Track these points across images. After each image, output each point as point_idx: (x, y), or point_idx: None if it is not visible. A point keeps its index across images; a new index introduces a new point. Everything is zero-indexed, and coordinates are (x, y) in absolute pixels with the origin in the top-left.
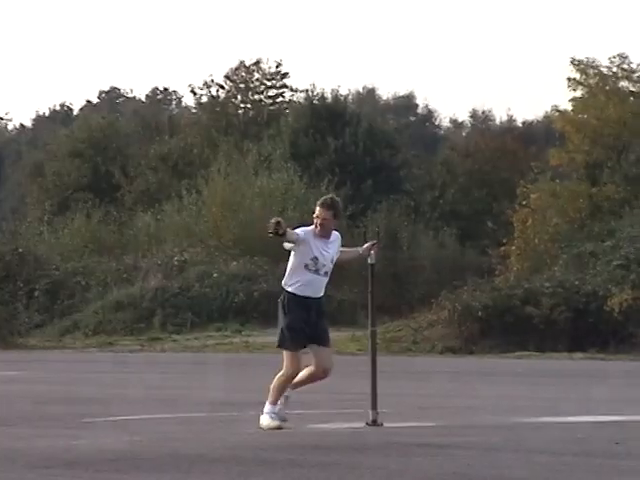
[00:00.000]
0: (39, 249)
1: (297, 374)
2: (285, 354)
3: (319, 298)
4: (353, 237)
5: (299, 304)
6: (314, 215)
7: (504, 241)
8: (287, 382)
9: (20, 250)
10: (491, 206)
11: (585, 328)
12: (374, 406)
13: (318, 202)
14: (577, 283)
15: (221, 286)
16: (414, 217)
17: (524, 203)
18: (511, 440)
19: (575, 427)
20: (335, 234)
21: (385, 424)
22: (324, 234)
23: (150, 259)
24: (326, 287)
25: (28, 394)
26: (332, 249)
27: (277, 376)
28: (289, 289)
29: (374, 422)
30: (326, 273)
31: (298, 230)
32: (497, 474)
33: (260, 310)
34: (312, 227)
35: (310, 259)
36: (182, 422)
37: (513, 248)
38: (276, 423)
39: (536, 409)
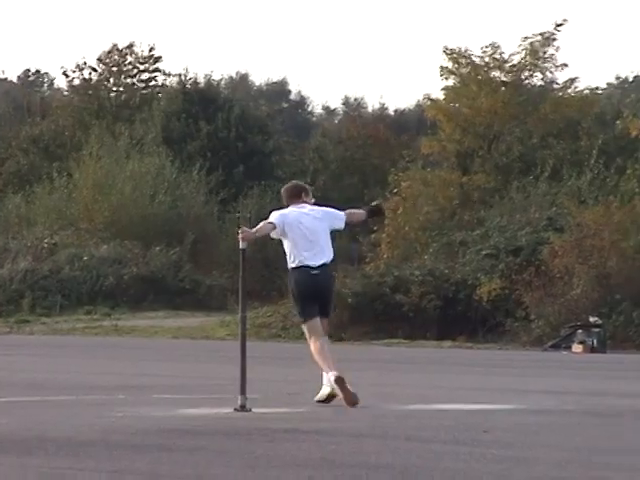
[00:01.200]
0: None
1: None
2: None
3: None
4: (225, 222)
5: None
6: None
7: (375, 228)
8: None
9: None
10: (362, 193)
11: (454, 316)
12: (243, 391)
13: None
14: (447, 272)
15: (91, 269)
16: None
17: (395, 191)
18: (378, 427)
19: (443, 415)
20: None
21: (253, 410)
22: None
23: (20, 241)
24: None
25: None
26: None
27: None
28: None
29: (243, 407)
30: None
31: None
32: (364, 460)
33: (130, 294)
34: None
35: None
36: (50, 405)
37: (384, 236)
38: None
39: (404, 397)
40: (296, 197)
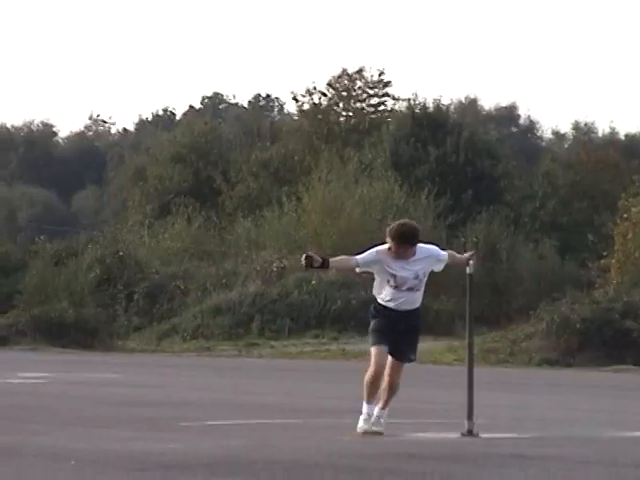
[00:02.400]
0: (139, 253)
1: (381, 371)
2: (371, 352)
3: (405, 311)
4: (452, 247)
5: (384, 312)
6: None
7: (604, 254)
8: (371, 380)
9: (121, 253)
10: (592, 218)
11: None
12: (470, 416)
13: (390, 233)
14: None
15: (319, 293)
16: (514, 228)
17: (625, 216)
18: (606, 454)
19: None
20: (422, 249)
21: (481, 434)
22: (401, 257)
23: (249, 265)
24: (421, 298)
25: (126, 397)
26: (417, 266)
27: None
28: (377, 299)
29: (470, 432)
30: (410, 289)
31: (371, 252)
32: None
33: (357, 318)
34: (387, 248)
35: (389, 276)
36: (278, 428)
37: (613, 261)
38: (364, 427)
39: (633, 424)
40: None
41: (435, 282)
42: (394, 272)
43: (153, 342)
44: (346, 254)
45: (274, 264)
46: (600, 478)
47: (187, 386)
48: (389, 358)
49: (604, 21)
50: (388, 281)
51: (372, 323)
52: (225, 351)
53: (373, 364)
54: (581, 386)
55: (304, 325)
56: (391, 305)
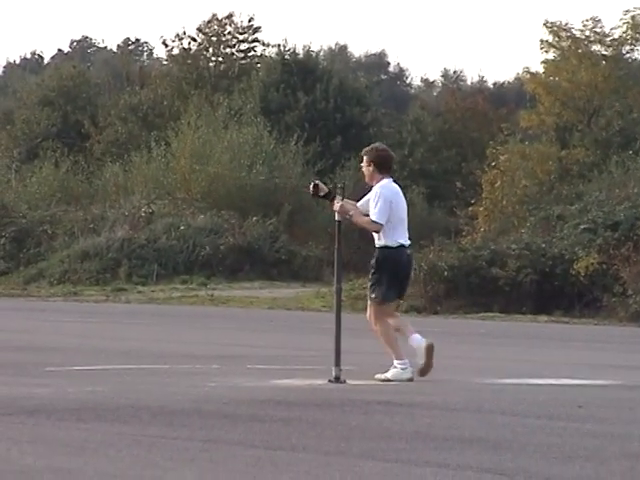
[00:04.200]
0: (6, 197)
1: None
2: None
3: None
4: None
5: None
6: None
7: (472, 202)
8: None
9: None
10: (460, 166)
11: (551, 291)
12: (337, 363)
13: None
14: (544, 246)
15: (188, 239)
16: None
17: (493, 164)
18: (473, 401)
19: (538, 390)
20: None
21: (348, 381)
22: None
23: (117, 210)
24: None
25: None
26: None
27: None
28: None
29: (337, 379)
30: None
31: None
32: (458, 434)
33: (226, 264)
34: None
35: None
36: (145, 374)
37: (481, 209)
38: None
39: (499, 371)
40: (390, 170)
41: (304, 228)
42: None
43: (20, 286)
44: (215, 199)
45: (142, 209)
46: (466, 424)
47: (53, 331)
48: None
49: None
50: None
51: None
52: (92, 296)
53: None
54: (448, 333)
55: (172, 270)
56: None
